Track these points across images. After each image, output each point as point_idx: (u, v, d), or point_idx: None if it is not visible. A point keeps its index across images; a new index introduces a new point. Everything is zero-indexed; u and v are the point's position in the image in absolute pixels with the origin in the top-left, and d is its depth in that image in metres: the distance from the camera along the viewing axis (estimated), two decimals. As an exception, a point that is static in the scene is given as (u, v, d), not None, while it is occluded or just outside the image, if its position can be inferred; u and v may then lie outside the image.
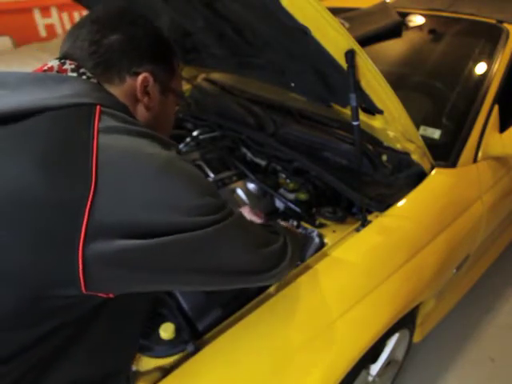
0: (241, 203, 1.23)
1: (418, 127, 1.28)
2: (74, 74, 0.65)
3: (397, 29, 1.58)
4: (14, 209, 0.49)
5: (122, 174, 0.53)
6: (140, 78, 0.70)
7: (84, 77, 0.65)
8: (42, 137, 0.53)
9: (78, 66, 0.66)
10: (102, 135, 0.54)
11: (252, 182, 1.29)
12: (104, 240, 0.50)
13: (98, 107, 0.58)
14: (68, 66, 0.66)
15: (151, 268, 0.55)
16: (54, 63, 0.66)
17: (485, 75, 1.34)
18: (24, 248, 0.49)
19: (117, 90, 0.68)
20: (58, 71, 0.65)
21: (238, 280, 0.66)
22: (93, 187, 0.50)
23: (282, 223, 1.07)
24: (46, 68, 0.66)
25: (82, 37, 0.68)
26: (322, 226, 1.12)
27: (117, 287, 0.56)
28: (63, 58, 0.68)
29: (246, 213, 1.08)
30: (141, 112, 0.73)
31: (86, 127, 0.55)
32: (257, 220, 1.07)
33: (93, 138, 0.53)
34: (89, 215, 0.49)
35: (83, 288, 0.50)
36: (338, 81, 0.99)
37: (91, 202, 0.50)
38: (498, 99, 1.32)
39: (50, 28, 4.83)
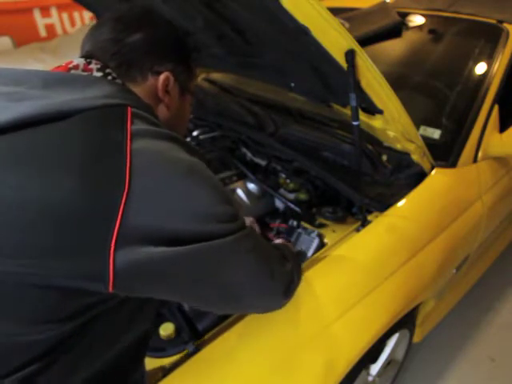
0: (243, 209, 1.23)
1: (418, 127, 1.28)
2: (100, 74, 0.65)
3: (397, 29, 1.58)
4: (46, 212, 0.49)
5: (153, 179, 0.53)
6: (162, 77, 0.71)
7: (109, 77, 0.66)
8: (77, 139, 0.53)
9: (103, 66, 0.66)
10: (135, 138, 0.55)
11: (252, 182, 1.29)
12: (134, 245, 0.51)
13: (129, 109, 0.58)
14: (94, 65, 0.66)
15: (170, 277, 0.55)
16: (80, 61, 0.66)
17: (485, 75, 1.34)
18: (57, 250, 0.49)
19: (139, 89, 0.69)
20: (83, 70, 0.65)
21: (250, 299, 0.67)
22: (126, 191, 0.50)
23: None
24: (71, 66, 0.65)
25: (104, 36, 0.69)
26: (321, 226, 1.12)
27: (141, 291, 0.56)
28: (88, 57, 0.68)
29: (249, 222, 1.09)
30: (162, 111, 0.74)
31: (119, 129, 0.55)
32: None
33: (126, 140, 0.54)
34: (121, 219, 0.50)
35: (111, 288, 0.51)
36: (337, 81, 0.99)
37: (124, 206, 0.50)
38: (498, 99, 1.32)
39: (50, 28, 4.83)
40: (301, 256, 1.03)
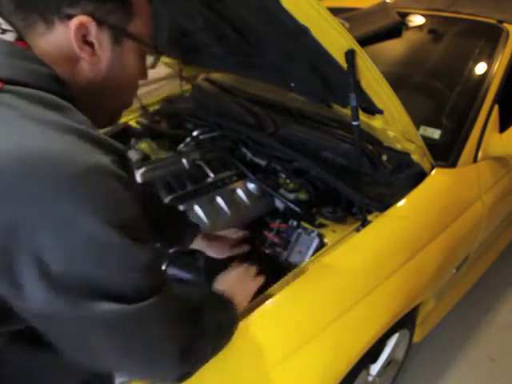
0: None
1: (418, 127, 1.28)
2: None
3: (397, 29, 1.58)
4: None
5: (12, 190, 0.40)
6: (73, 23, 0.50)
7: None
8: None
9: None
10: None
11: (252, 182, 1.29)
12: None
13: None
14: None
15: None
16: None
17: (485, 75, 1.34)
18: None
19: (43, 42, 0.50)
20: None
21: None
22: None
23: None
24: None
25: None
26: (321, 225, 1.12)
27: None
28: None
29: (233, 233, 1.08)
30: (84, 73, 0.54)
31: None
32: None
33: None
34: None
35: None
36: (338, 81, 0.99)
37: None
38: (498, 99, 1.32)
39: (49, 28, 4.83)
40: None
